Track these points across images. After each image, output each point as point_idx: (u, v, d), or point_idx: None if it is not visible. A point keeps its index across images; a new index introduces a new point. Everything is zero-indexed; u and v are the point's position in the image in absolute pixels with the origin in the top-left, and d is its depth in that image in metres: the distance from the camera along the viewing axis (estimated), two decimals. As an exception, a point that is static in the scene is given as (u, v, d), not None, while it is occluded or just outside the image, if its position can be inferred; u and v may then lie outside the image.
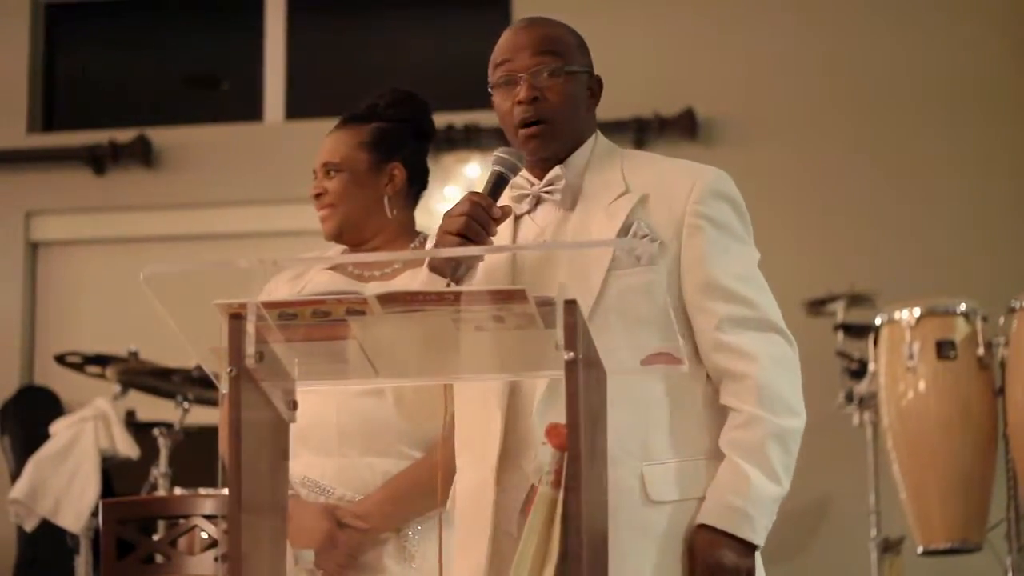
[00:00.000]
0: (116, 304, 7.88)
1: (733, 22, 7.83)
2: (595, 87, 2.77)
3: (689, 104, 7.69)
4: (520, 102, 2.67)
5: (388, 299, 2.18)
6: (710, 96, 7.73)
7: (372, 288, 3.14)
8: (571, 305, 2.11)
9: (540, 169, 2.72)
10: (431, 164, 3.55)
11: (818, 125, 7.67)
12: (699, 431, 2.59)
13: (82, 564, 5.95)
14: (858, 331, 6.19)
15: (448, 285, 2.54)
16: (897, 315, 5.33)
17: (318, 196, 3.36)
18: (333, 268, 3.32)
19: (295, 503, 3.08)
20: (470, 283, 2.60)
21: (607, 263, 2.58)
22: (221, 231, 8.18)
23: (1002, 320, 5.22)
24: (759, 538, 2.53)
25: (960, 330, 5.27)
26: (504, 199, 2.69)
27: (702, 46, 7.81)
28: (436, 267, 2.59)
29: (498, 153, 2.66)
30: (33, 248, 8.36)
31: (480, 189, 2.62)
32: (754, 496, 2.51)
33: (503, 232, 2.69)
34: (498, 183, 2.63)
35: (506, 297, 2.15)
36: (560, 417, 2.18)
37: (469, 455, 2.66)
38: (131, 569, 3.41)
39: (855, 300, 6.53)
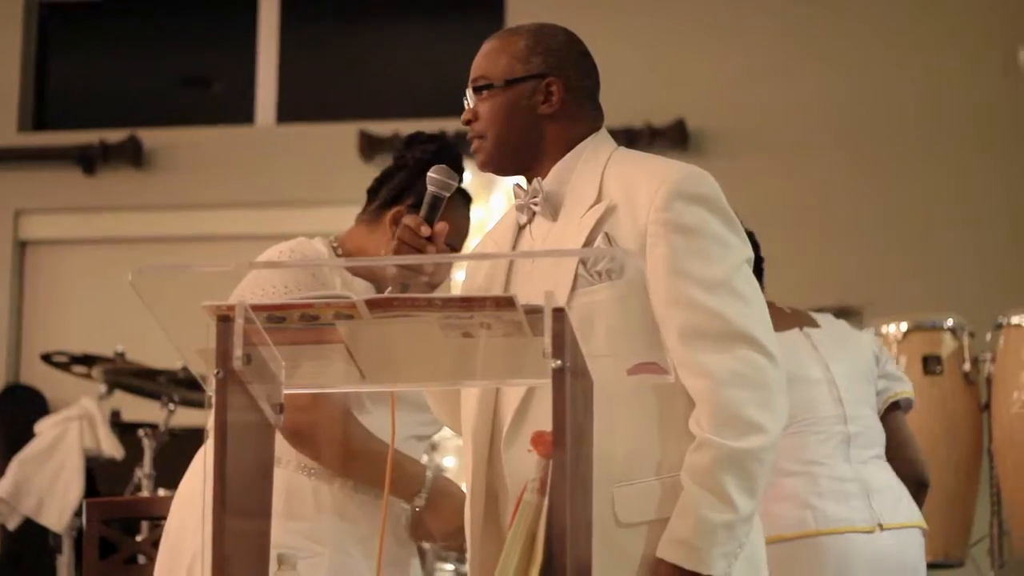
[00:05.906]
0: (103, 304, 7.88)
1: (725, 33, 7.85)
2: (548, 91, 2.67)
3: (680, 115, 7.70)
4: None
5: (376, 304, 2.18)
6: (701, 107, 7.74)
7: None
8: (559, 313, 2.11)
9: (529, 180, 2.71)
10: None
11: (808, 138, 7.68)
12: (678, 447, 2.49)
13: (64, 563, 5.94)
14: (845, 344, 6.18)
15: None
16: (884, 329, 5.33)
17: None
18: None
19: (447, 485, 3.14)
20: None
21: (570, 282, 2.52)
22: (210, 233, 8.18)
23: (989, 336, 5.24)
24: (714, 568, 2.43)
25: (947, 345, 5.28)
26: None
27: (694, 56, 7.82)
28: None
29: (430, 174, 2.71)
30: (21, 247, 8.35)
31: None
32: (700, 527, 2.42)
33: (505, 241, 2.71)
34: (432, 203, 2.69)
35: (494, 304, 2.15)
36: (534, 424, 2.16)
37: (468, 459, 2.64)
38: (113, 569, 3.41)
39: (842, 313, 6.51)
